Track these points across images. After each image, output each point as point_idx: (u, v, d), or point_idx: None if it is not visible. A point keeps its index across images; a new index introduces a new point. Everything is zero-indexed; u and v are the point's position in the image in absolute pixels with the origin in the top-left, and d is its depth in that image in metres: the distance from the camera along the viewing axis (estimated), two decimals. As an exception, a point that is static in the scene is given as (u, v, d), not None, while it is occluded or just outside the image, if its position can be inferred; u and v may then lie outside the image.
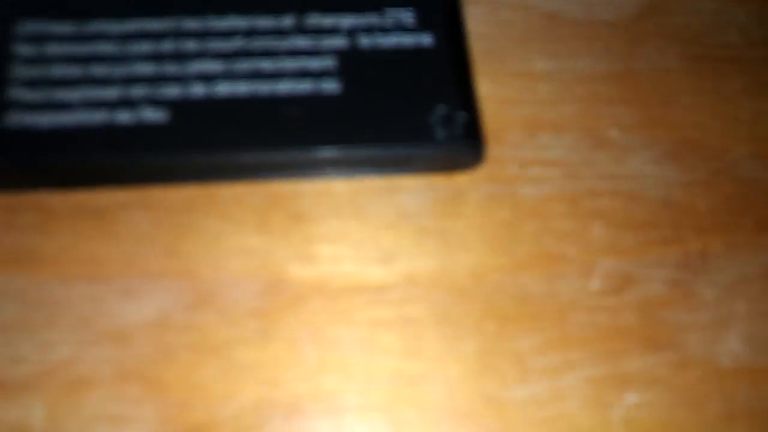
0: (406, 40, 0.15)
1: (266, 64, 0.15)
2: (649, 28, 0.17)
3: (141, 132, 0.14)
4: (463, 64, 0.15)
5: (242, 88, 0.15)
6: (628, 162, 0.16)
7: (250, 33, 0.15)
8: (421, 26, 0.15)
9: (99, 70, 0.14)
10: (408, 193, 0.15)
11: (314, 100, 0.15)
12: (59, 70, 0.14)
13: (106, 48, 0.15)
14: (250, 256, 0.15)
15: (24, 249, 0.14)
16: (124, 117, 0.14)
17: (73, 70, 0.14)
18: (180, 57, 0.15)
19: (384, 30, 0.15)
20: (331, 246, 0.15)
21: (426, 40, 0.15)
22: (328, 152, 0.14)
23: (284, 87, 0.15)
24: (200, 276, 0.14)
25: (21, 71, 0.14)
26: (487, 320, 0.14)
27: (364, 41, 0.15)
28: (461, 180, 0.16)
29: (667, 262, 0.15)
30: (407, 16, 0.16)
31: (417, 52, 0.15)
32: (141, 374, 0.13)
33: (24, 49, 0.15)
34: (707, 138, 0.16)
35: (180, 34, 0.15)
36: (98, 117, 0.14)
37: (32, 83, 0.14)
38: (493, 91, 0.16)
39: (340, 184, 0.15)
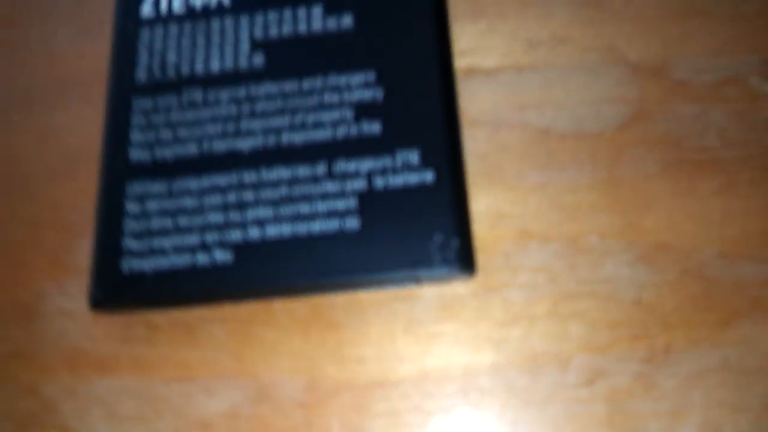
0: (412, 177, 0.19)
1: (304, 208, 0.19)
2: (632, 137, 0.20)
3: (215, 270, 0.19)
4: (458, 196, 0.19)
5: (286, 230, 0.19)
6: (605, 266, 0.19)
7: (292, 181, 0.19)
8: (425, 164, 0.19)
9: (183, 221, 0.19)
10: (418, 302, 0.19)
11: (340, 237, 0.19)
12: (156, 223, 0.19)
13: (187, 202, 0.19)
14: (297, 358, 0.19)
15: (137, 357, 0.20)
16: (202, 259, 0.19)
17: (166, 222, 0.19)
18: (241, 206, 0.19)
19: (395, 170, 0.19)
20: (358, 348, 0.19)
21: (429, 176, 0.19)
22: (353, 278, 0.18)
23: (317, 226, 0.19)
24: (260, 376, 0.19)
25: (130, 225, 0.20)
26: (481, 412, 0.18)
27: (379, 182, 0.19)
28: (462, 288, 0.19)
29: (634, 357, 0.18)
30: (413, 156, 0.19)
31: (421, 187, 0.19)
32: (220, 454, 0.19)
33: (132, 207, 0.20)
34: (679, 240, 0.19)
35: (241, 186, 0.19)
36: (184, 260, 0.19)
37: (138, 235, 0.19)
38: (489, 206, 0.20)
39: (365, 295, 0.20)
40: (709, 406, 0.18)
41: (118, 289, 0.19)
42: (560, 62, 0.21)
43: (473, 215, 0.20)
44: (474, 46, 0.21)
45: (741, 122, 0.19)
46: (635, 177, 0.19)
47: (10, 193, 0.22)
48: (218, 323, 0.20)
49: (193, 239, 0.19)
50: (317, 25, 0.20)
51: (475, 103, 0.21)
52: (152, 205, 0.20)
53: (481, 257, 0.19)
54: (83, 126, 0.22)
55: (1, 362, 0.20)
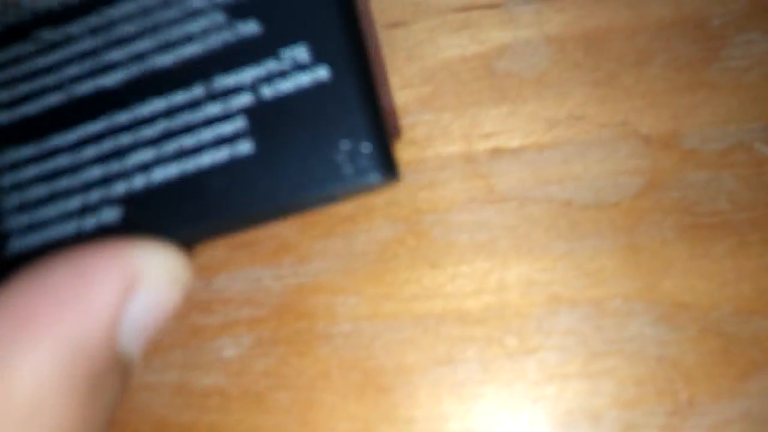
0: (304, 78, 0.16)
1: (187, 141, 0.16)
2: (648, 205, 0.22)
3: (103, 233, 0.16)
4: (364, 91, 0.16)
5: (172, 171, 0.16)
6: (629, 327, 0.21)
7: (169, 112, 0.16)
8: (317, 60, 0.16)
9: (61, 183, 0.17)
10: (461, 366, 0.21)
11: (232, 166, 0.16)
12: (33, 192, 0.17)
13: (62, 160, 0.17)
14: (354, 421, 0.22)
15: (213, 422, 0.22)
16: (90, 223, 0.16)
17: (43, 189, 0.17)
18: (119, 153, 0.16)
19: (282, 74, 0.16)
20: (408, 410, 0.21)
21: (323, 72, 0.16)
22: (257, 210, 0.16)
23: (206, 159, 0.16)
24: (323, 438, 0.22)
25: (7, 201, 0.17)
26: (520, 463, 0.20)
27: (266, 91, 0.16)
28: (500, 351, 0.21)
29: (660, 410, 0.20)
30: (301, 52, 0.16)
31: (317, 87, 0.16)
32: None
33: (4, 180, 0.17)
34: (697, 299, 0.21)
35: (115, 130, 0.16)
36: (71, 228, 0.16)
37: (18, 209, 0.17)
38: (521, 275, 0.22)
39: (413, 359, 0.22)
40: (733, 454, 0.19)
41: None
42: (578, 139, 0.23)
43: (508, 285, 0.22)
44: (499, 129, 0.23)
45: (749, 186, 0.21)
46: (653, 242, 0.21)
47: None
48: (283, 391, 0.22)
49: (75, 202, 0.17)
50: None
51: (502, 180, 0.23)
52: (25, 173, 0.17)
53: (516, 323, 0.21)
54: None
55: None
